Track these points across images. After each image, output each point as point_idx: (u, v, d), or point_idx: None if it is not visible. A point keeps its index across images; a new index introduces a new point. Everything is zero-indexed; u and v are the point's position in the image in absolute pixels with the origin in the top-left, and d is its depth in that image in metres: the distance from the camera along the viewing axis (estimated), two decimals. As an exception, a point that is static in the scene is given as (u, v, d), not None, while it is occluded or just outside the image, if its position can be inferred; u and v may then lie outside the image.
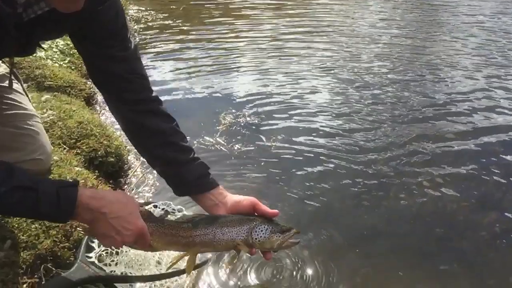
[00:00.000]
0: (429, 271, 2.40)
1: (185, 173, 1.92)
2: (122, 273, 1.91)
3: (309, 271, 2.31)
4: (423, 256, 2.50)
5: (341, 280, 2.28)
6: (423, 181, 3.18)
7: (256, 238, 1.84)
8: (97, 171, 2.77)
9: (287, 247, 1.97)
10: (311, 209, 2.85)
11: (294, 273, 2.30)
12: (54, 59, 4.36)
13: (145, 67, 1.99)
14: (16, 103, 2.23)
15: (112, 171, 2.98)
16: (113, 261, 1.90)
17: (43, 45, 1.99)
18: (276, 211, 1.93)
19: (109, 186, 2.77)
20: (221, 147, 3.58)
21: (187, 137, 3.58)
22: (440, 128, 4.06)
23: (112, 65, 1.85)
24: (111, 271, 1.87)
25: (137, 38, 6.45)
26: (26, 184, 1.37)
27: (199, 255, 1.97)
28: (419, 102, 4.63)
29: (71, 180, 1.90)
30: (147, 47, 6.16)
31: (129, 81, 1.89)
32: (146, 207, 2.43)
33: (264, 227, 1.86)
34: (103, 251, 1.89)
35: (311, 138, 3.78)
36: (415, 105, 4.56)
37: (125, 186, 2.98)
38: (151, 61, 5.60)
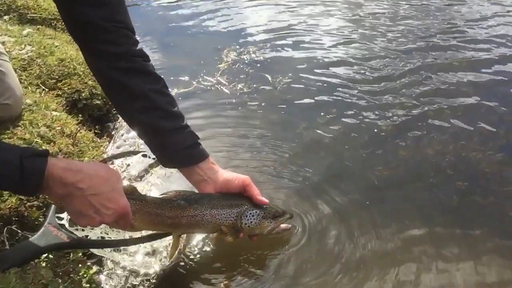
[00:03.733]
0: (449, 228, 2.12)
1: (169, 143, 1.70)
2: (98, 237, 1.68)
3: (315, 226, 2.08)
4: (443, 212, 2.21)
5: (350, 237, 2.04)
6: (444, 126, 2.83)
7: (246, 224, 1.74)
8: (80, 115, 2.49)
9: (277, 233, 1.85)
10: (318, 157, 2.56)
11: (299, 228, 2.07)
12: (40, -13, 3.96)
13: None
14: (-23, 38, 1.92)
15: (98, 115, 2.70)
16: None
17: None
18: (266, 201, 1.76)
19: (94, 132, 2.51)
20: (222, 87, 3.26)
21: (185, 77, 3.38)
22: (466, 61, 3.65)
23: (86, 10, 1.53)
24: (85, 236, 1.63)
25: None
26: None
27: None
28: (437, 28, 4.21)
29: (40, 149, 1.63)
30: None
31: (108, 31, 1.58)
32: (135, 156, 2.24)
33: (256, 212, 1.75)
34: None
35: (321, 77, 3.40)
36: (433, 31, 4.15)
37: (114, 132, 2.70)
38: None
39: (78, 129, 2.17)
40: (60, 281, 1.47)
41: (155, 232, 1.72)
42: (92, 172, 1.27)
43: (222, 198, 1.75)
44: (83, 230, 1.63)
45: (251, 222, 1.73)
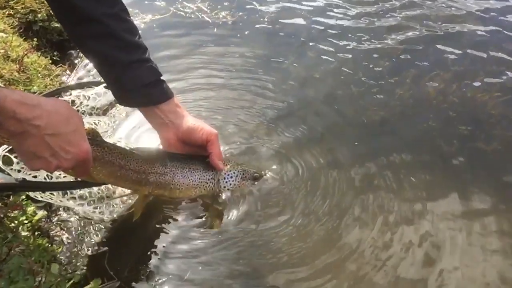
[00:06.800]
0: (448, 175, 1.91)
1: (125, 78, 1.46)
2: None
3: (301, 166, 1.87)
4: (442, 159, 2.00)
5: (342, 180, 1.84)
6: (448, 63, 2.56)
7: (225, 187, 1.62)
8: (36, 40, 2.17)
9: None
10: (306, 95, 2.31)
11: (284, 168, 1.86)
12: None
13: None
14: None
15: (58, 40, 2.38)
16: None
17: None
18: (221, 166, 1.57)
19: (52, 59, 2.20)
20: (203, 15, 2.94)
21: (161, 2, 3.02)
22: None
23: None
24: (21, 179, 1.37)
25: None
26: None
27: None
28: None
29: None
30: None
31: None
32: (96, 88, 1.96)
33: (234, 173, 1.63)
34: (7, 150, 1.38)
35: (314, 6, 3.06)
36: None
37: (77, 60, 2.39)
38: None
39: (26, 53, 1.85)
40: (-14, 229, 1.23)
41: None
42: (51, 109, 1.08)
43: (199, 158, 1.59)
44: (19, 171, 1.38)
45: (230, 184, 1.63)
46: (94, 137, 1.42)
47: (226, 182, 1.61)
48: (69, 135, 1.12)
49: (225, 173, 1.61)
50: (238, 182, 1.63)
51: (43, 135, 1.06)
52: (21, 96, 1.03)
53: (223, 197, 1.65)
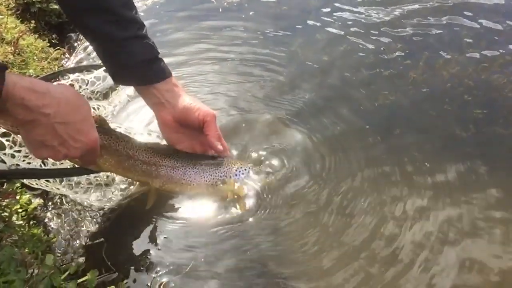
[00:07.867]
0: (464, 162, 1.80)
1: (121, 55, 1.38)
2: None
3: (312, 151, 1.81)
4: (457, 144, 1.90)
5: (346, 166, 1.76)
6: (463, 45, 2.42)
7: (237, 183, 1.54)
8: (33, 22, 2.10)
9: None
10: (315, 79, 2.21)
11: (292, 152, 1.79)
12: None
13: None
14: None
15: (57, 22, 2.30)
16: (18, 151, 1.33)
17: None
18: (219, 148, 1.49)
19: (50, 41, 2.13)
20: (207, -5, 2.84)
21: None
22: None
23: None
24: (13, 165, 1.31)
25: None
26: None
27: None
28: None
29: None
30: None
31: None
32: (96, 72, 1.90)
33: (245, 169, 1.58)
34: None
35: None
36: None
37: (76, 43, 2.31)
38: None
39: (21, 34, 1.77)
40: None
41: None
42: (61, 96, 1.06)
43: (210, 156, 1.55)
44: (13, 156, 1.31)
45: (243, 180, 1.56)
46: (101, 125, 1.37)
47: (238, 179, 1.56)
48: (78, 123, 1.10)
49: (236, 170, 1.55)
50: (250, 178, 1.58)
51: (52, 124, 1.04)
52: (31, 83, 0.99)
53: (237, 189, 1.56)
